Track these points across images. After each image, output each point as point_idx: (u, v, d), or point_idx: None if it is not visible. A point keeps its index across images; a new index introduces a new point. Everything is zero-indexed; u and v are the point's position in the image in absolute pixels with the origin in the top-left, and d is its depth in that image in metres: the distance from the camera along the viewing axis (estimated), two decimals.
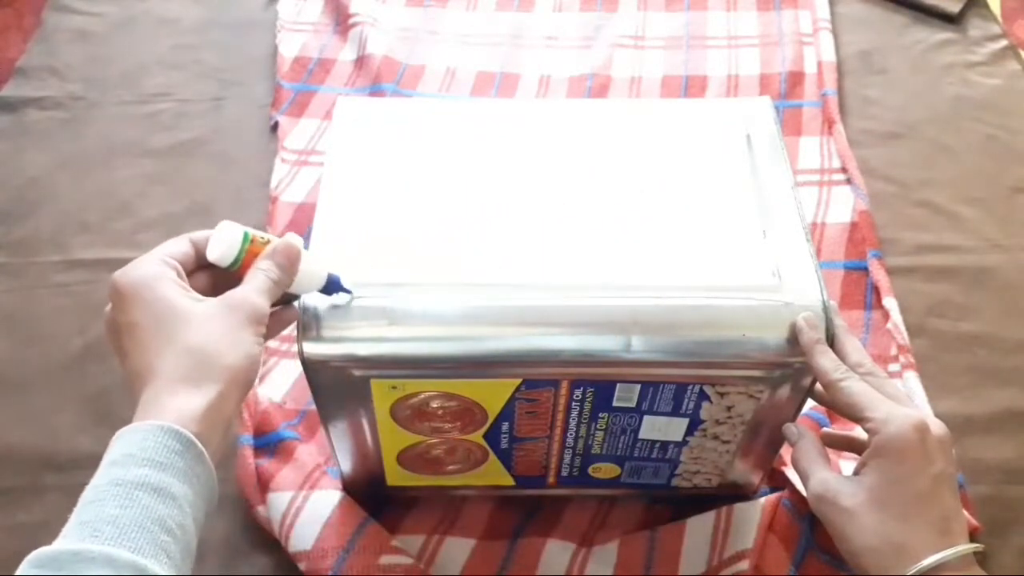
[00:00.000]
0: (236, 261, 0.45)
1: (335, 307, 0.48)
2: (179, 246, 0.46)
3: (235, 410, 0.43)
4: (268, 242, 0.46)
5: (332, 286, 0.48)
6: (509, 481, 0.60)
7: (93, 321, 0.74)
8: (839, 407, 0.50)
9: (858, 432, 0.56)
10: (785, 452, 0.58)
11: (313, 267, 0.47)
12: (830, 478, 0.49)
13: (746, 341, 0.48)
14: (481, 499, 0.63)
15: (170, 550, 0.37)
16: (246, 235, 0.46)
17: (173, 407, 0.40)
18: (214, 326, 0.42)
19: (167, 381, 0.41)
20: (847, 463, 0.59)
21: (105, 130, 0.91)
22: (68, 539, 0.37)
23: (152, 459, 0.38)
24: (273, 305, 0.46)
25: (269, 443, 0.64)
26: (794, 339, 0.49)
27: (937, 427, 0.48)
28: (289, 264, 0.46)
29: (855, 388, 0.48)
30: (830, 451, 0.55)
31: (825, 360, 0.48)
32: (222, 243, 0.45)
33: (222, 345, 0.42)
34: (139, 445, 0.39)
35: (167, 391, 0.41)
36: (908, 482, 0.46)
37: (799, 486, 0.58)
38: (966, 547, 0.45)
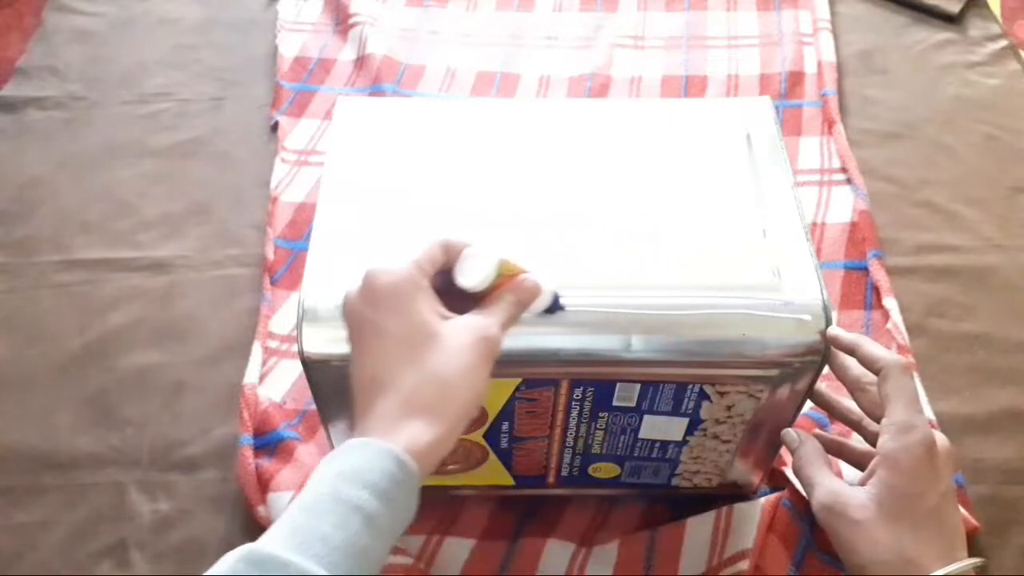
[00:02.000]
0: (485, 291, 0.45)
1: (335, 305, 0.48)
2: (434, 252, 0.45)
3: (454, 444, 0.42)
4: (514, 274, 0.46)
5: (554, 305, 0.48)
6: (509, 481, 0.60)
7: (93, 321, 0.74)
8: (863, 405, 0.51)
9: (855, 440, 0.57)
10: (785, 452, 0.58)
11: (546, 290, 0.47)
12: (838, 488, 0.49)
13: (746, 341, 0.48)
14: (481, 499, 0.63)
15: None
16: (499, 268, 0.45)
17: (406, 434, 0.40)
18: (461, 358, 0.42)
19: (405, 403, 0.41)
20: (846, 466, 0.59)
21: (105, 130, 0.91)
22: (279, 543, 0.36)
23: (375, 484, 0.38)
24: None
25: (269, 443, 0.64)
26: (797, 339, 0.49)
27: (943, 442, 0.49)
28: (529, 300, 0.46)
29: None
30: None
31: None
32: (478, 274, 0.45)
33: (464, 379, 0.42)
34: (368, 465, 0.38)
35: (403, 414, 0.40)
36: (919, 498, 0.47)
37: (799, 487, 0.58)
38: (972, 561, 0.46)
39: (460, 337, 0.42)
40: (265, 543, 0.36)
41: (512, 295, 0.46)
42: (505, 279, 0.46)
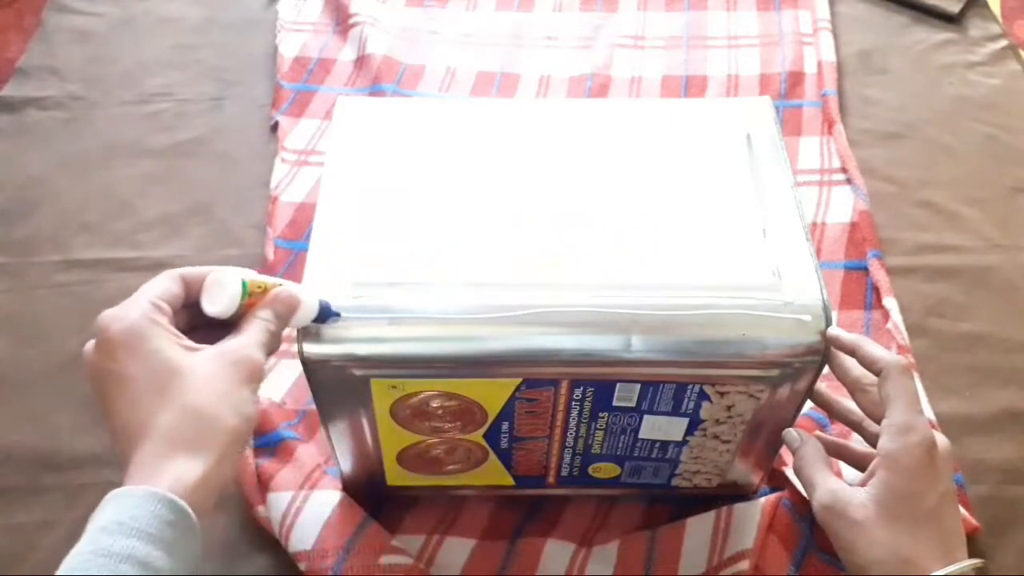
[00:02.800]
0: (235, 314, 0.44)
1: (335, 305, 0.48)
2: (168, 286, 0.44)
3: (231, 473, 0.41)
4: (265, 290, 0.45)
5: (324, 313, 0.47)
6: (509, 481, 0.60)
7: (93, 321, 0.74)
8: (864, 406, 0.51)
9: (855, 440, 0.57)
10: (785, 452, 0.58)
11: (307, 300, 0.46)
12: (837, 488, 0.49)
13: (746, 341, 0.48)
14: (481, 499, 0.63)
15: None
16: (244, 287, 0.44)
17: (169, 473, 0.38)
18: (214, 386, 0.41)
19: (163, 444, 0.39)
20: (846, 467, 0.59)
21: (105, 130, 0.91)
22: None
23: (142, 530, 0.36)
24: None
25: (269, 443, 0.64)
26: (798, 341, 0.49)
27: (943, 443, 0.49)
28: (288, 313, 0.45)
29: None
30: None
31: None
32: (222, 298, 0.43)
33: (222, 407, 0.41)
34: (130, 513, 0.37)
35: (163, 455, 0.39)
36: (918, 498, 0.47)
37: (799, 487, 0.58)
38: (971, 562, 0.46)
39: (209, 366, 0.41)
40: None
41: (264, 311, 0.44)
42: (257, 298, 0.44)
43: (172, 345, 0.42)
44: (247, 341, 0.43)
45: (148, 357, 0.41)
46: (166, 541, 0.37)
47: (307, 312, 0.46)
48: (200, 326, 0.44)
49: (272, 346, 0.45)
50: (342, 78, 0.97)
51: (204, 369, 0.41)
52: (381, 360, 0.49)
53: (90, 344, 0.42)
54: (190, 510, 0.38)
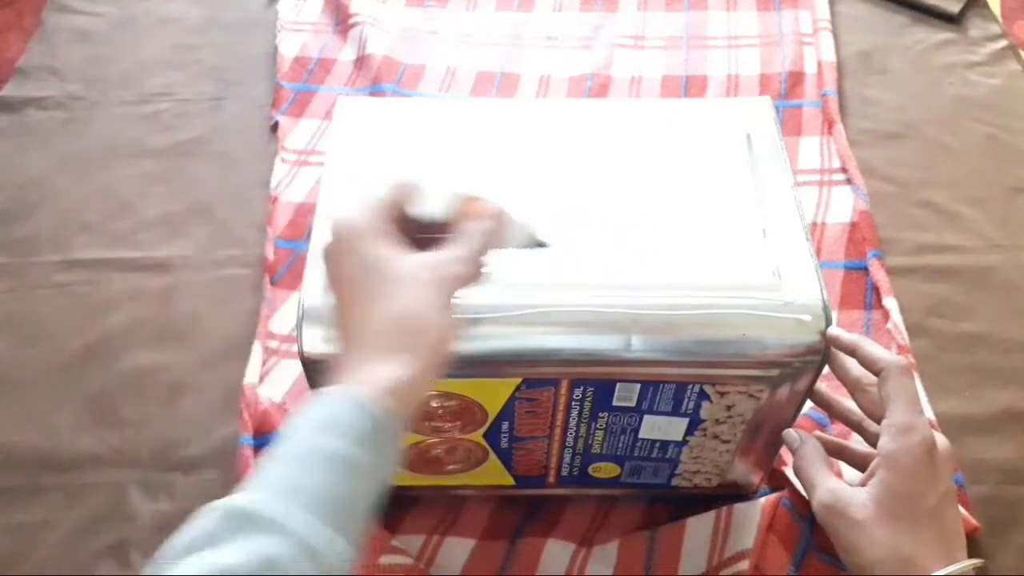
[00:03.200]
0: (446, 221, 0.44)
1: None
2: (391, 194, 0.44)
3: (432, 382, 0.42)
4: (476, 201, 0.45)
5: (532, 239, 0.47)
6: (509, 481, 0.60)
7: (93, 321, 0.74)
8: (864, 406, 0.51)
9: (855, 440, 0.57)
10: (785, 452, 0.58)
11: (516, 221, 0.46)
12: (838, 488, 0.49)
13: (746, 341, 0.48)
14: (481, 499, 0.63)
15: (354, 525, 0.37)
16: (456, 196, 0.44)
17: (382, 375, 0.39)
18: (426, 295, 0.41)
19: (374, 347, 0.40)
20: (846, 467, 0.59)
21: (105, 130, 0.91)
22: (262, 499, 0.35)
23: (351, 431, 0.37)
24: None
25: (269, 443, 0.64)
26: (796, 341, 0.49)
27: (943, 443, 0.49)
28: (495, 227, 0.45)
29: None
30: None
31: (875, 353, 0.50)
32: (432, 202, 0.44)
33: (431, 315, 0.41)
34: (343, 413, 0.38)
35: (373, 358, 0.40)
36: (918, 498, 0.47)
37: (799, 487, 0.58)
38: (972, 562, 0.46)
39: (420, 275, 0.42)
40: (248, 500, 0.35)
41: (473, 225, 0.44)
42: (464, 210, 0.44)
43: (388, 248, 0.42)
44: (458, 254, 0.43)
45: (366, 257, 0.42)
46: (370, 442, 0.38)
47: (519, 234, 0.46)
48: (417, 238, 0.45)
49: (481, 260, 0.44)
50: (342, 78, 0.97)
51: (417, 276, 0.42)
52: None
53: (327, 242, 0.43)
54: (392, 414, 0.39)
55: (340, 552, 0.35)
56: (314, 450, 0.37)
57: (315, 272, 0.50)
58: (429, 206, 0.44)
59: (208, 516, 0.35)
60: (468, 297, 0.47)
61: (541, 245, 0.48)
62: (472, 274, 0.44)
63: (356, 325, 0.41)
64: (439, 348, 0.42)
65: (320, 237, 0.52)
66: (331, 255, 0.43)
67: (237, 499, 0.35)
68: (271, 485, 0.36)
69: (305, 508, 0.35)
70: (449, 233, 0.44)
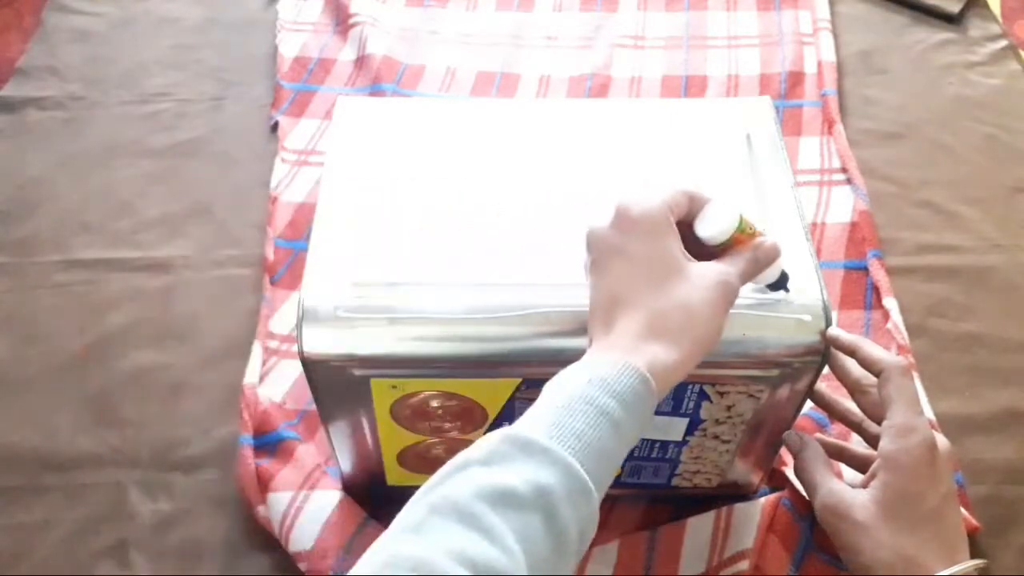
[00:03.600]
0: (721, 245, 0.46)
1: (335, 305, 0.48)
2: (679, 197, 0.45)
3: (690, 371, 0.44)
4: (753, 234, 0.47)
5: (781, 282, 0.49)
6: None
7: (93, 321, 0.74)
8: (864, 407, 0.51)
9: (855, 441, 0.57)
10: (785, 452, 0.58)
11: (778, 263, 0.48)
12: (839, 490, 0.49)
13: (746, 341, 0.48)
14: None
15: (605, 482, 0.40)
16: (740, 222, 0.46)
17: (649, 354, 0.41)
18: (707, 294, 0.43)
19: (650, 325, 0.42)
20: (847, 468, 0.59)
21: (105, 130, 0.91)
22: (540, 432, 0.38)
23: (622, 395, 0.40)
24: None
25: (269, 443, 0.64)
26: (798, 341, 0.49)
27: (943, 443, 0.49)
28: (765, 263, 0.47)
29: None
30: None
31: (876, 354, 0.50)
32: (719, 224, 0.46)
33: (706, 314, 0.43)
34: (616, 376, 0.40)
35: (648, 335, 0.42)
36: (919, 499, 0.47)
37: (799, 487, 0.58)
38: (973, 563, 0.47)
39: (706, 276, 0.44)
40: (527, 429, 0.38)
41: (751, 253, 0.46)
42: (744, 237, 0.46)
43: (678, 244, 0.45)
44: (735, 270, 0.45)
45: (657, 244, 0.44)
46: (633, 409, 0.40)
47: (774, 271, 0.48)
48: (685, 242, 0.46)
49: (746, 282, 0.46)
50: (342, 78, 0.97)
51: (700, 276, 0.44)
52: (381, 360, 0.49)
53: (601, 222, 0.45)
54: (655, 390, 0.41)
55: (596, 502, 0.38)
56: (589, 401, 0.39)
57: (315, 272, 0.50)
58: (711, 227, 0.46)
59: (489, 439, 0.38)
60: (453, 300, 0.47)
61: (786, 290, 0.49)
62: (739, 289, 0.45)
63: (635, 300, 0.43)
64: (705, 344, 0.43)
65: (326, 231, 0.52)
66: (621, 228, 0.44)
67: (518, 427, 0.38)
68: (550, 424, 0.38)
69: (577, 452, 0.38)
70: (719, 253, 0.46)
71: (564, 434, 0.38)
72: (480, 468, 0.36)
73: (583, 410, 0.39)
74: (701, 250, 0.46)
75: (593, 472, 0.38)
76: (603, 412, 0.39)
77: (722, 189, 0.55)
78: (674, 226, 0.45)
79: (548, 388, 0.41)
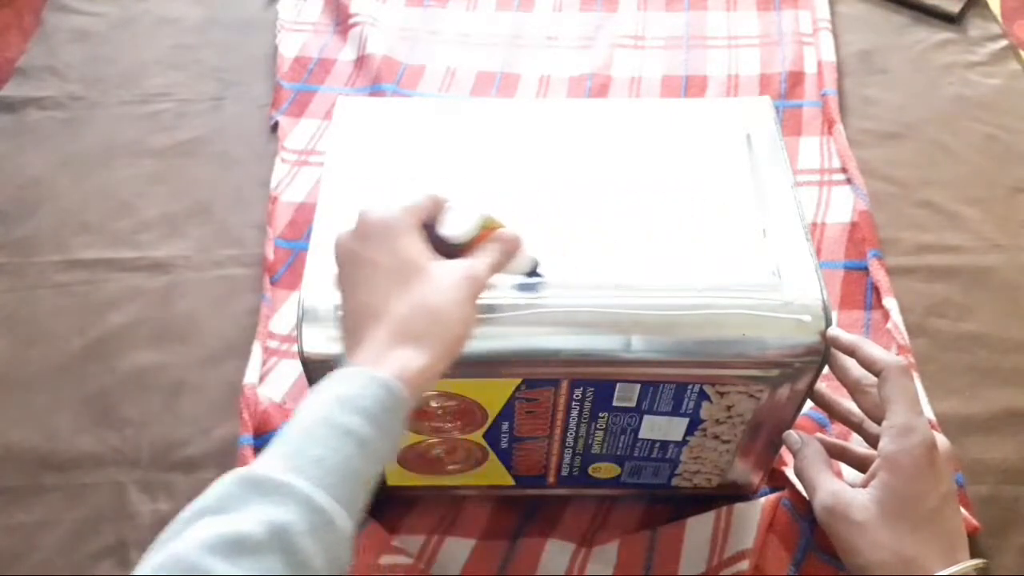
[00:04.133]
0: (465, 244, 0.46)
1: (335, 305, 0.48)
2: (423, 202, 0.46)
3: (443, 373, 0.43)
4: (494, 228, 0.47)
5: (534, 271, 0.49)
6: (509, 481, 0.60)
7: (93, 321, 0.74)
8: (864, 407, 0.51)
9: (856, 441, 0.57)
10: (785, 452, 0.58)
11: (525, 249, 0.48)
12: (839, 490, 0.49)
13: (746, 341, 0.48)
14: (481, 499, 0.63)
15: (357, 503, 0.38)
16: (483, 220, 0.46)
17: (397, 361, 0.40)
18: (449, 292, 0.43)
19: (397, 332, 0.41)
20: (847, 468, 0.59)
21: (105, 130, 0.91)
22: (275, 466, 0.36)
23: (367, 410, 0.38)
24: None
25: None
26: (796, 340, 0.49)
27: (943, 444, 0.49)
28: (512, 251, 0.47)
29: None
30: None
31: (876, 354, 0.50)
32: (461, 224, 0.46)
33: (454, 311, 0.43)
34: (360, 392, 0.39)
35: (395, 342, 0.41)
36: (919, 499, 0.47)
37: (799, 487, 0.58)
38: (974, 562, 0.47)
39: (447, 273, 0.43)
40: (260, 466, 0.36)
41: (494, 243, 0.46)
42: (486, 232, 0.47)
43: (419, 246, 0.44)
44: (481, 263, 0.45)
45: (397, 249, 0.43)
46: (381, 423, 0.39)
47: (523, 261, 0.49)
48: (432, 247, 0.46)
49: (494, 274, 0.46)
50: (342, 78, 0.97)
51: (443, 274, 0.43)
52: None
53: (345, 231, 0.45)
54: (406, 397, 0.40)
55: (344, 527, 0.36)
56: (331, 423, 0.38)
57: (315, 272, 0.50)
58: (455, 227, 0.46)
59: (223, 482, 0.35)
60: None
61: (539, 276, 0.49)
62: (487, 281, 0.45)
63: (380, 308, 0.42)
64: (456, 343, 0.43)
65: (326, 231, 0.52)
66: (360, 238, 0.44)
67: (253, 467, 0.36)
68: (287, 455, 0.37)
69: (317, 480, 0.36)
70: (465, 252, 0.46)
71: (303, 463, 0.36)
72: (213, 517, 0.34)
73: (325, 433, 0.38)
74: (452, 251, 0.46)
75: (342, 495, 0.36)
76: (347, 432, 0.38)
77: (720, 188, 0.55)
78: (416, 229, 0.44)
79: (296, 411, 0.39)
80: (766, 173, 0.56)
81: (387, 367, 0.40)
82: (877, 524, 0.47)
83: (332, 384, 0.40)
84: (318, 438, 0.38)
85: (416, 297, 0.42)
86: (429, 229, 0.46)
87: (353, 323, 0.43)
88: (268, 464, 0.37)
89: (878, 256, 0.77)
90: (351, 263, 0.44)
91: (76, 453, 0.66)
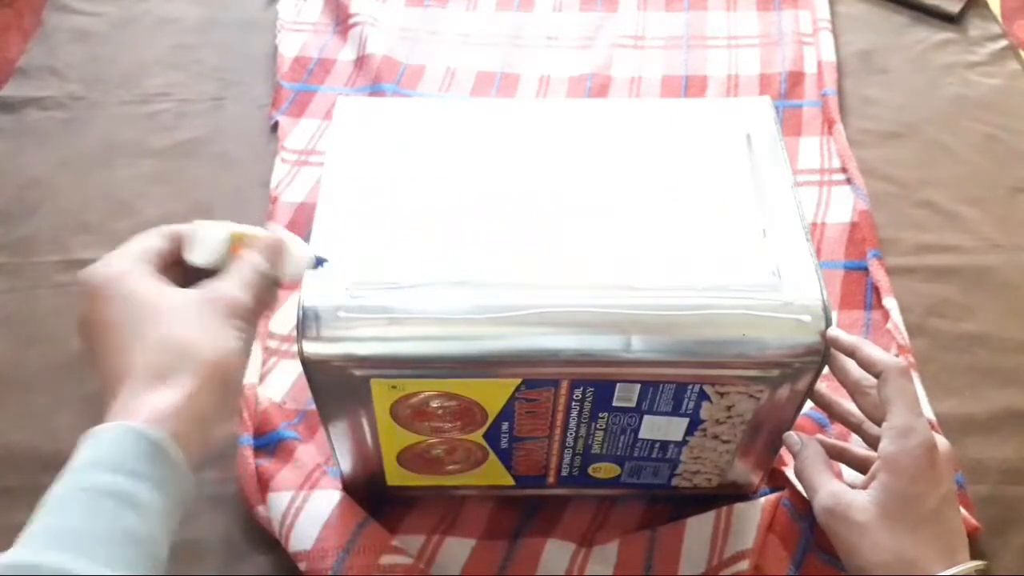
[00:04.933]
0: (221, 262, 0.44)
1: (335, 305, 0.48)
2: (153, 241, 0.45)
3: (217, 407, 0.41)
4: (252, 236, 0.46)
5: (318, 263, 0.49)
6: (509, 481, 0.60)
7: None
8: (864, 408, 0.51)
9: (855, 442, 0.57)
10: (785, 452, 0.58)
11: (299, 252, 0.47)
12: (839, 491, 0.49)
13: (746, 341, 0.48)
14: (481, 499, 0.63)
15: (135, 562, 0.36)
16: (232, 236, 0.45)
17: (146, 405, 0.38)
18: (190, 319, 0.41)
19: (140, 380, 0.39)
20: (847, 469, 0.59)
21: (105, 130, 0.91)
22: (27, 547, 0.35)
23: (121, 465, 0.36)
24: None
25: (269, 443, 0.64)
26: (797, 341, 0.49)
27: (943, 444, 0.49)
28: (274, 257, 0.46)
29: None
30: None
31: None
32: (205, 247, 0.44)
33: (199, 338, 0.41)
34: (107, 450, 0.37)
35: (140, 390, 0.39)
36: (919, 500, 0.47)
37: (800, 487, 0.58)
38: (974, 564, 0.47)
39: (187, 299, 0.42)
40: (11, 551, 0.34)
41: (248, 254, 0.45)
42: (237, 247, 0.45)
43: (151, 287, 0.42)
44: (228, 281, 0.44)
45: (126, 301, 0.41)
46: (144, 473, 0.37)
47: (298, 260, 0.47)
48: (194, 281, 0.45)
49: (261, 287, 0.45)
50: (342, 78, 0.97)
51: (181, 306, 0.42)
52: (381, 360, 0.49)
53: (80, 306, 0.43)
54: (168, 441, 0.38)
55: None
56: (84, 489, 0.36)
57: (315, 272, 0.50)
58: (201, 252, 0.44)
59: None
60: (453, 300, 0.47)
61: (321, 262, 0.49)
62: (242, 298, 0.43)
63: (122, 361, 0.40)
64: (216, 371, 0.41)
65: (326, 231, 0.52)
66: (87, 305, 0.42)
67: (11, 551, 0.34)
68: (35, 534, 0.35)
69: (80, 549, 0.34)
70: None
71: (57, 538, 0.34)
72: None
73: (78, 499, 0.36)
74: (212, 276, 0.44)
75: (116, 558, 0.34)
76: (103, 493, 0.36)
77: (720, 188, 0.55)
78: (147, 271, 0.43)
79: (52, 485, 0.37)
80: (766, 173, 0.56)
81: (138, 415, 0.38)
82: (877, 525, 0.47)
83: (88, 447, 0.37)
84: (71, 508, 0.36)
85: (153, 337, 0.40)
86: (187, 267, 0.44)
87: (108, 391, 0.40)
88: (21, 546, 0.35)
89: (878, 256, 0.77)
90: (90, 336, 0.42)
91: None
